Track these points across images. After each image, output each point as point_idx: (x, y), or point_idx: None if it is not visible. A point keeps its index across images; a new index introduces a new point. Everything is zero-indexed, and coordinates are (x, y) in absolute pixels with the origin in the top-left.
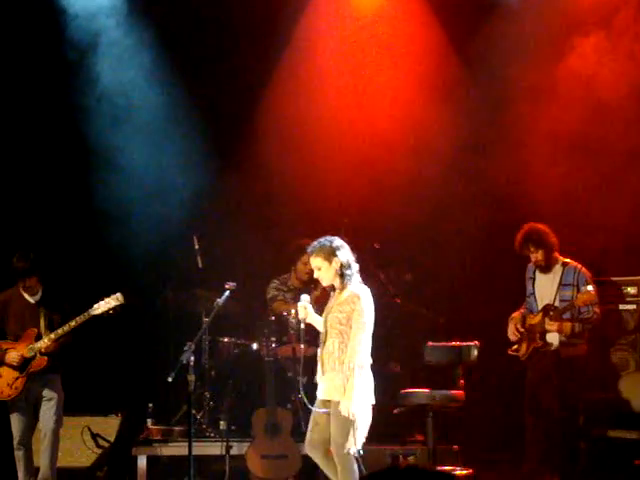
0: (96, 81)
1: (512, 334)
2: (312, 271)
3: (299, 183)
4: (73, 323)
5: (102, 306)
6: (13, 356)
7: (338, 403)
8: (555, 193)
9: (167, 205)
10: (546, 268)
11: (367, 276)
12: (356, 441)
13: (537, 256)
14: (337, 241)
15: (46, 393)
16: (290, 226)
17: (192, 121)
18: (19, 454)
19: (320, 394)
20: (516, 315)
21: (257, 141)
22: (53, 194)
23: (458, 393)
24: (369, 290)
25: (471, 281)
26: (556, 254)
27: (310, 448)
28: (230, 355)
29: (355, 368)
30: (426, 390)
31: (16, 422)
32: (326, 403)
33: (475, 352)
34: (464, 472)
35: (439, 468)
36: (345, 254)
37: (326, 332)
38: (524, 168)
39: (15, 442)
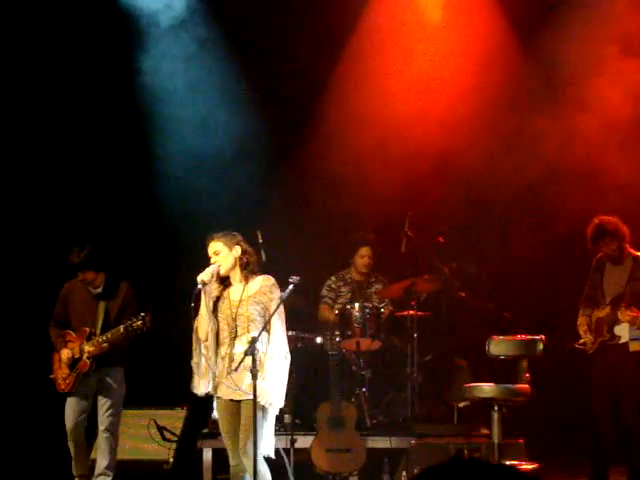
0: (155, 72)
1: (586, 338)
2: (370, 264)
3: (363, 177)
4: (109, 335)
5: (131, 324)
6: (65, 354)
7: (251, 402)
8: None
9: (227, 197)
10: (618, 260)
11: (432, 270)
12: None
13: (611, 247)
14: (241, 237)
15: (104, 387)
16: (353, 218)
17: (252, 111)
18: (70, 445)
19: (229, 394)
20: (582, 320)
21: (318, 134)
22: (117, 193)
23: (523, 387)
24: None
25: (537, 273)
26: (627, 246)
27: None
28: (294, 349)
29: (281, 358)
30: (491, 384)
31: (69, 415)
32: (235, 404)
33: (540, 346)
34: (529, 466)
35: (504, 462)
36: (247, 246)
37: (236, 327)
38: (594, 160)
39: (68, 434)
